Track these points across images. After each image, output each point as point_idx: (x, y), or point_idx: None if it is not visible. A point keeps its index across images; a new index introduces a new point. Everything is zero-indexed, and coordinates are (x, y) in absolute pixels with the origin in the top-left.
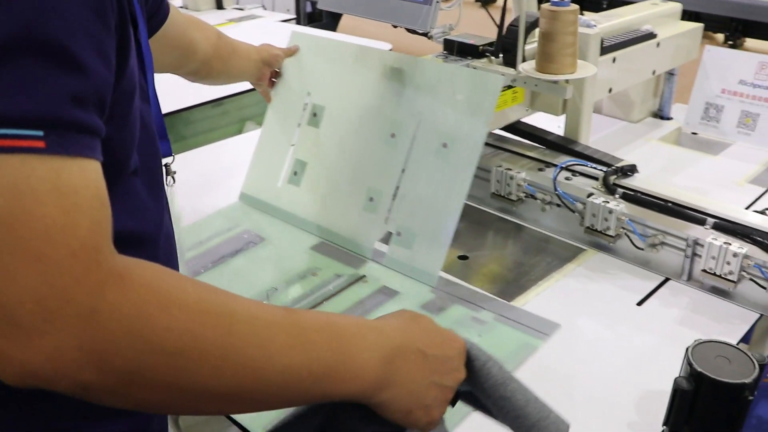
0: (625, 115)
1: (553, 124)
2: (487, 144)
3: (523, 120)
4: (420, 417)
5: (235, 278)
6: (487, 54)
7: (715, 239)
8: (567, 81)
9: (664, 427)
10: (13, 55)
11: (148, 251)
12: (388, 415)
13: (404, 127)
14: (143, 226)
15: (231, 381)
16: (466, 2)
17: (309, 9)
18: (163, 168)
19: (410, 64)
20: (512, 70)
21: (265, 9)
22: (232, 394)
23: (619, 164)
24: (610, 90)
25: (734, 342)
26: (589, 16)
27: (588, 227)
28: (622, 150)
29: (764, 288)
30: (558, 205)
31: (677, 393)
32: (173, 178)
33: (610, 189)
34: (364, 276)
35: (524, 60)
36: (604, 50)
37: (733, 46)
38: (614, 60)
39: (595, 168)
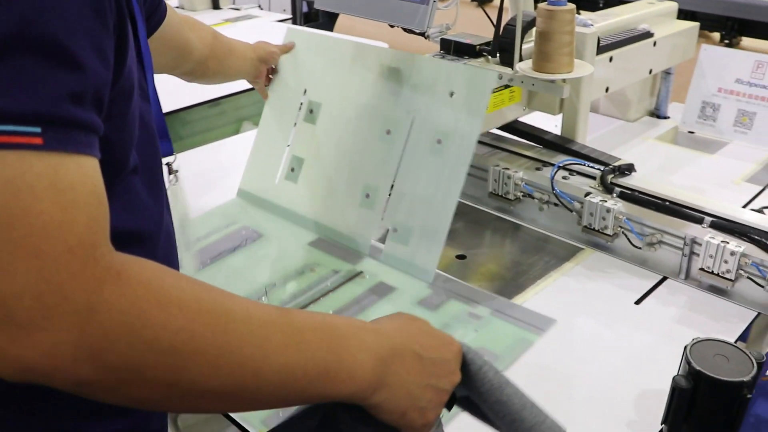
0: (622, 114)
1: (550, 123)
2: (484, 143)
3: (521, 119)
4: (415, 419)
5: (233, 274)
6: (484, 53)
7: (713, 238)
8: (564, 80)
9: (663, 425)
10: (11, 52)
11: (147, 250)
12: (383, 417)
13: (399, 124)
14: (143, 224)
15: (226, 379)
16: (463, 2)
17: (305, 9)
18: (165, 167)
19: (405, 61)
20: (509, 69)
21: (262, 9)
22: (228, 392)
23: (617, 163)
24: (606, 89)
25: (732, 340)
26: (585, 16)
27: (586, 226)
28: (619, 149)
29: (762, 286)
30: (555, 205)
31: (676, 391)
32: (176, 176)
33: (607, 188)
34: (362, 272)
35: (521, 59)
36: (601, 49)
37: (729, 45)
38: (611, 59)
39: (592, 167)
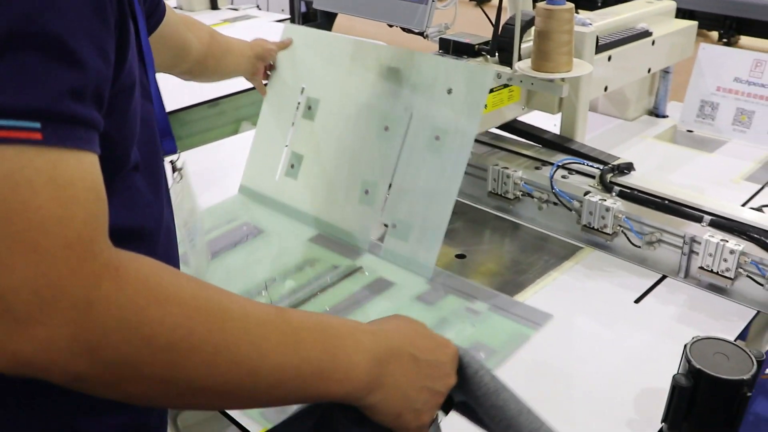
0: (620, 113)
1: (549, 122)
2: (483, 143)
3: (520, 119)
4: (410, 420)
5: (234, 270)
6: (483, 53)
7: (712, 236)
8: (563, 79)
9: (663, 424)
10: (12, 48)
11: (147, 246)
12: (378, 418)
13: (397, 121)
14: (143, 221)
15: (222, 377)
16: (462, 1)
17: (303, 9)
18: (170, 165)
19: (403, 58)
20: (508, 68)
21: (260, 9)
22: (223, 390)
23: (616, 162)
24: (605, 88)
25: (732, 339)
26: (584, 15)
27: (585, 225)
28: (618, 148)
29: (761, 285)
30: (555, 204)
31: (676, 390)
32: (180, 174)
33: (606, 187)
34: (361, 267)
35: (520, 59)
36: (600, 48)
37: (727, 44)
38: (610, 58)
39: (591, 166)
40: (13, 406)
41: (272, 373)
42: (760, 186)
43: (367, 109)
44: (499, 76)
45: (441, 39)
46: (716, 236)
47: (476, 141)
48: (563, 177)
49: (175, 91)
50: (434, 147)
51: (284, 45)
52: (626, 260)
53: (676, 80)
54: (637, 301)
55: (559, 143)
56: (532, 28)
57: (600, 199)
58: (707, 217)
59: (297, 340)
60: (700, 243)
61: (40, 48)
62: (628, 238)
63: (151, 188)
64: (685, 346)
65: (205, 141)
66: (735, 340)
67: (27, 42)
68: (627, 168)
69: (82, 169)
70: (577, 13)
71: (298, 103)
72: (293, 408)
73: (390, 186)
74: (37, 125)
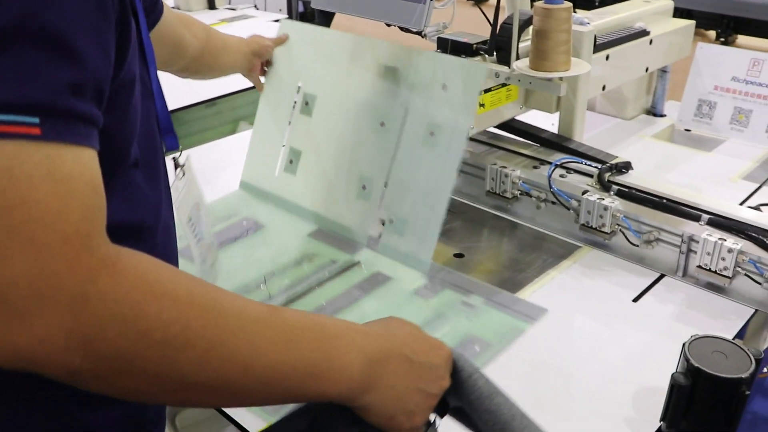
0: (618, 113)
1: (547, 121)
2: (481, 142)
3: (518, 118)
4: (403, 422)
5: (234, 264)
6: (481, 52)
7: (710, 235)
8: (561, 78)
9: (662, 422)
10: (12, 42)
11: (145, 242)
12: (371, 419)
13: (393, 116)
14: (142, 217)
15: (216, 374)
16: (460, 0)
17: (301, 8)
18: (171, 161)
19: (397, 53)
20: (506, 68)
21: (257, 9)
22: (217, 386)
23: (614, 161)
24: (603, 87)
25: (730, 337)
26: (581, 14)
27: (583, 224)
28: (616, 147)
29: (759, 283)
30: (553, 203)
31: (674, 388)
32: (183, 170)
33: (604, 186)
34: (359, 262)
35: (518, 58)
36: (598, 48)
37: (725, 43)
38: (607, 57)
39: (589, 165)
40: (12, 400)
41: (266, 370)
42: (757, 185)
43: (363, 105)
44: (497, 75)
45: (439, 38)
46: (714, 235)
47: (474, 140)
48: (561, 176)
49: (173, 91)
50: (429, 143)
51: (281, 41)
52: (624, 259)
53: (674, 79)
54: (635, 300)
55: (557, 142)
56: (530, 28)
57: (598, 198)
58: (705, 216)
59: (291, 338)
60: (698, 242)
61: (40, 43)
62: (626, 237)
63: (150, 184)
64: (684, 344)
65: (202, 141)
66: (733, 339)
67: (27, 37)
68: (625, 167)
69: (81, 164)
70: (574, 12)
71: (296, 95)
72: (286, 409)
73: (387, 181)
74: (36, 120)
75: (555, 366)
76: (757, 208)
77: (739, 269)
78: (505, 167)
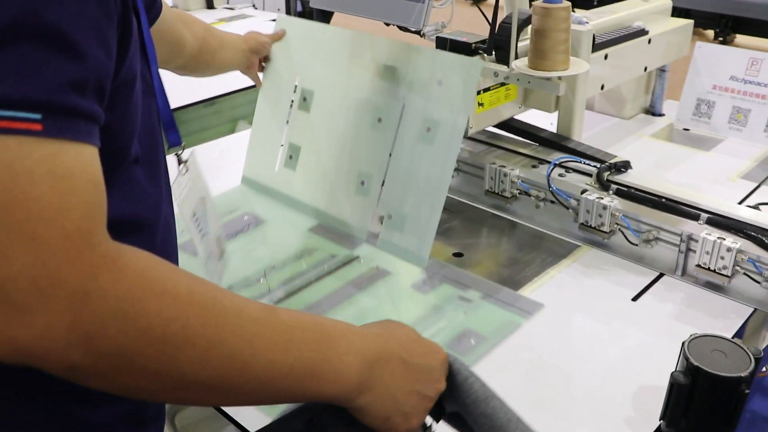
0: (617, 112)
1: (546, 121)
2: (480, 141)
3: (517, 117)
4: (398, 424)
5: (235, 258)
6: (480, 51)
7: (709, 234)
8: (560, 78)
9: (661, 421)
10: (14, 39)
11: (145, 238)
12: (367, 420)
13: (390, 112)
14: (142, 213)
15: (215, 372)
16: (458, 0)
17: (299, 8)
18: (176, 157)
19: (394, 49)
20: (505, 67)
21: (256, 8)
22: (215, 385)
23: (613, 160)
24: (602, 87)
25: (729, 336)
26: (580, 13)
27: (582, 223)
28: (615, 146)
29: (758, 282)
30: (552, 202)
31: (674, 387)
32: (186, 166)
33: (603, 185)
34: (358, 257)
35: (517, 57)
36: (596, 47)
37: (723, 43)
38: (606, 57)
39: (588, 164)
40: (12, 396)
41: (264, 370)
42: (756, 184)
43: (360, 101)
44: (496, 74)
45: (438, 38)
46: (713, 234)
47: (473, 139)
48: (560, 175)
49: (172, 90)
50: (426, 138)
51: (278, 36)
52: (623, 258)
53: (673, 79)
54: (634, 299)
55: (556, 142)
56: (529, 27)
57: (597, 198)
58: (704, 215)
59: (290, 338)
60: (697, 241)
61: (42, 40)
62: (625, 236)
63: (150, 181)
64: (683, 343)
65: (201, 140)
66: (732, 338)
67: (30, 34)
68: (624, 166)
69: (82, 161)
70: (573, 11)
71: (294, 93)
72: (282, 409)
73: (385, 177)
74: (38, 116)
75: (554, 365)
76: (756, 207)
77: (738, 268)
78: (504, 166)
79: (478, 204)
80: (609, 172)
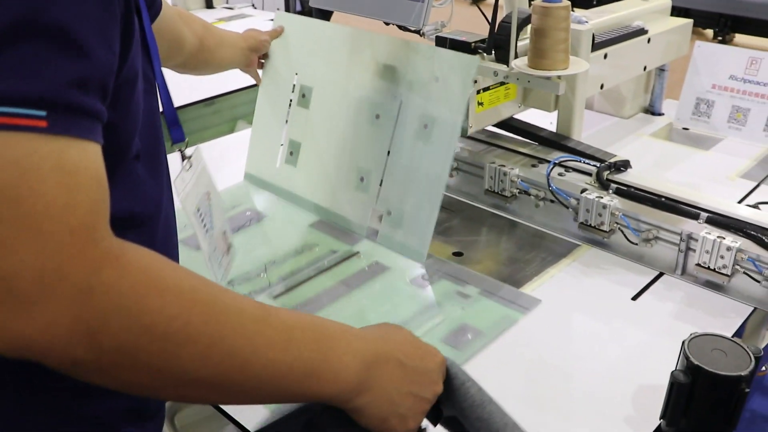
0: (616, 111)
1: (545, 120)
2: (480, 140)
3: (516, 116)
4: (395, 425)
5: (236, 252)
6: (480, 51)
7: (709, 233)
8: (559, 77)
9: (661, 420)
10: (19, 38)
11: (146, 234)
12: (364, 421)
13: (387, 109)
14: (143, 209)
15: (215, 370)
16: None
17: (299, 8)
18: (180, 153)
19: (390, 46)
20: (504, 66)
21: (255, 8)
22: (215, 383)
23: (612, 160)
24: (601, 86)
25: (729, 335)
26: (580, 13)
27: (582, 223)
28: (614, 146)
29: (758, 281)
30: (552, 201)
31: (674, 386)
32: (190, 162)
33: (603, 184)
34: (358, 252)
35: (516, 56)
36: (596, 46)
37: (722, 42)
38: (606, 56)
39: (588, 164)
40: (12, 390)
41: (264, 368)
42: (755, 183)
43: (358, 98)
44: (495, 73)
45: (437, 37)
46: (713, 233)
47: (473, 139)
48: (560, 175)
49: (171, 89)
50: (423, 135)
51: (276, 33)
52: (623, 257)
53: (672, 78)
54: (634, 298)
55: (556, 141)
56: (529, 26)
57: (597, 197)
58: (704, 214)
59: (290, 338)
60: (697, 240)
61: (47, 38)
62: (625, 235)
63: (151, 177)
64: (683, 342)
65: (200, 140)
66: (732, 337)
67: (35, 32)
68: (623, 165)
69: (86, 158)
70: (573, 10)
71: (293, 87)
72: (281, 410)
73: (383, 173)
74: (43, 114)
75: (554, 364)
76: (755, 206)
77: (737, 267)
78: (503, 166)
79: (477, 203)
80: (609, 172)
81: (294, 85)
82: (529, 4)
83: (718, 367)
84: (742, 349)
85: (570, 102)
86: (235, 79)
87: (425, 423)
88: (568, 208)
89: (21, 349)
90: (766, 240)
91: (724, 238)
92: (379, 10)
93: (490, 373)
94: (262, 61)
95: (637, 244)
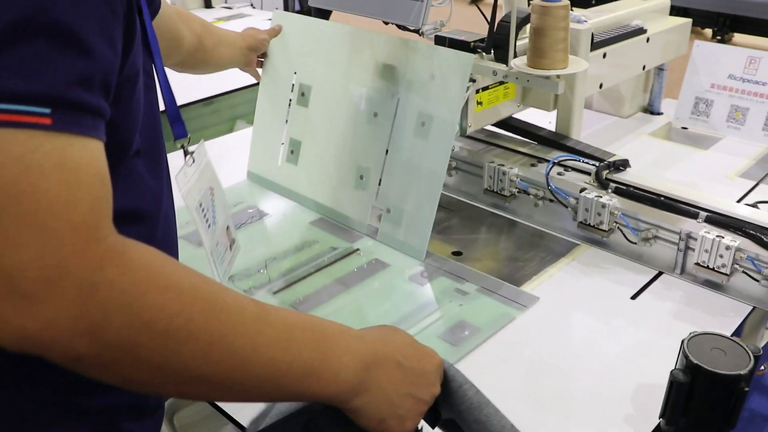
0: (615, 111)
1: (544, 119)
2: (479, 140)
3: (515, 116)
4: (393, 426)
5: (240, 248)
6: (479, 50)
7: (708, 233)
8: (558, 76)
9: (661, 419)
10: (23, 35)
11: (146, 231)
12: (362, 422)
13: (385, 107)
14: (143, 205)
15: (216, 367)
16: None
17: (298, 7)
18: (182, 149)
19: (387, 44)
20: (504, 65)
21: (254, 7)
22: (215, 380)
23: (612, 159)
24: (600, 85)
25: (728, 334)
26: (579, 12)
27: (581, 222)
28: (613, 145)
29: (757, 280)
30: (551, 201)
31: (674, 385)
32: (192, 157)
33: (602, 184)
34: (358, 249)
35: (516, 56)
36: (595, 46)
37: (721, 41)
38: (605, 55)
39: (587, 163)
40: (12, 384)
41: (264, 367)
42: (754, 182)
43: (356, 96)
44: (494, 73)
45: (436, 36)
46: (712, 232)
47: (472, 138)
48: (559, 174)
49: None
50: (421, 133)
51: (275, 32)
52: (622, 257)
53: (671, 77)
54: (633, 297)
55: (555, 140)
56: (528, 25)
57: (596, 196)
58: (703, 214)
59: (290, 337)
60: (696, 239)
61: (50, 37)
62: (624, 234)
63: (151, 173)
64: (683, 341)
65: (199, 139)
66: (731, 336)
67: (39, 31)
68: (623, 165)
69: (89, 155)
70: (572, 10)
71: (293, 86)
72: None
73: (382, 171)
74: (47, 111)
75: (553, 363)
76: (754, 205)
77: (736, 266)
78: (502, 165)
79: (477, 203)
80: (608, 171)
81: (293, 84)
82: (528, 4)
83: (718, 366)
84: (742, 348)
85: (569, 101)
86: (234, 78)
87: (421, 424)
88: (567, 207)
89: (24, 344)
90: (764, 239)
91: (723, 238)
92: (379, 10)
93: (489, 371)
94: (261, 60)
95: (636, 244)
